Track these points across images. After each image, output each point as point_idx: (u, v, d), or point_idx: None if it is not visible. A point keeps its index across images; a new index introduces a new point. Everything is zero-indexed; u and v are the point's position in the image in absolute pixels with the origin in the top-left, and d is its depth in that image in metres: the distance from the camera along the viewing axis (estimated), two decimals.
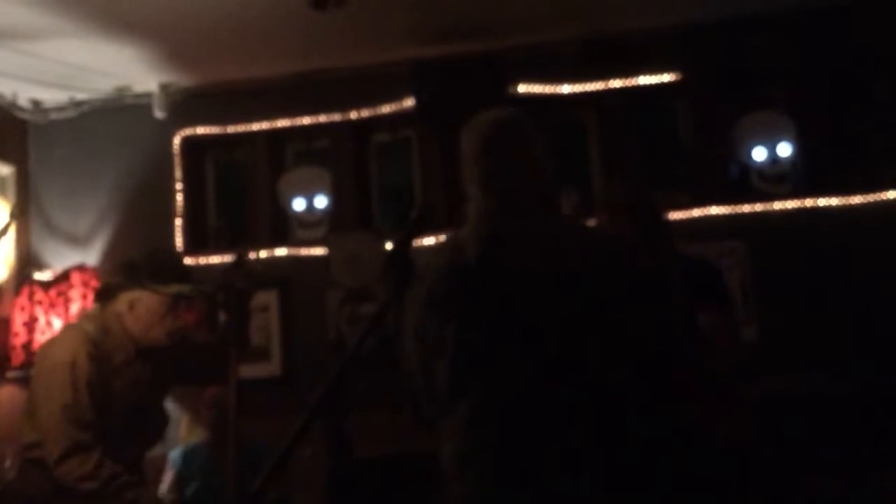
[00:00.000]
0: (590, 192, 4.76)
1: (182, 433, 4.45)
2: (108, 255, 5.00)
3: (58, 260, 5.02)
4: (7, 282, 4.78)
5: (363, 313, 4.57)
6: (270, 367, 4.78)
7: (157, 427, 3.03)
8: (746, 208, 4.63)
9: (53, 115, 5.18)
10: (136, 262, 2.94)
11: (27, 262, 5.00)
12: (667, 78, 4.80)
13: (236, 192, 5.34)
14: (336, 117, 5.01)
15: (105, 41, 4.43)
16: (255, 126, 5.08)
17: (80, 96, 5.11)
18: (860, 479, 3.81)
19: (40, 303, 4.65)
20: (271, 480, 1.88)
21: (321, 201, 4.91)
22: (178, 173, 5.09)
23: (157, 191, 5.06)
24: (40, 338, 4.51)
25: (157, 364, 2.94)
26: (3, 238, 4.54)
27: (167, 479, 3.92)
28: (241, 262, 2.78)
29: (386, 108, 4.95)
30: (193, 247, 4.98)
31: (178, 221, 5.04)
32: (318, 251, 4.85)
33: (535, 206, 2.05)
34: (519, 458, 1.88)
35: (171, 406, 3.52)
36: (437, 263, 2.07)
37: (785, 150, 4.59)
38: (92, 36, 4.35)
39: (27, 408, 2.85)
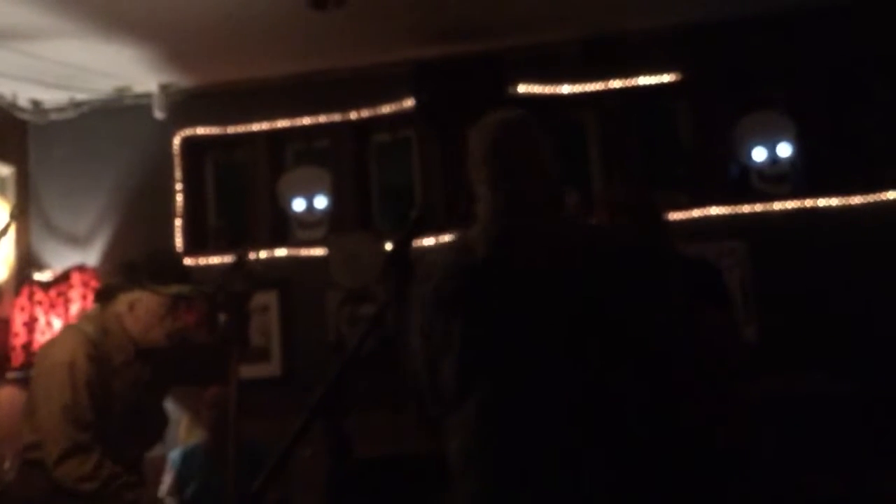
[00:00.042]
0: (590, 192, 4.75)
1: (182, 434, 4.45)
2: (108, 256, 5.00)
3: (58, 260, 5.02)
4: (7, 282, 4.77)
5: (363, 314, 4.58)
6: (270, 368, 4.78)
7: (156, 428, 3.03)
8: (746, 208, 4.63)
9: (53, 116, 5.18)
10: (135, 263, 2.94)
11: (27, 262, 4.99)
12: (667, 78, 4.80)
13: (236, 193, 5.33)
14: (336, 117, 5.01)
15: (105, 41, 4.43)
16: (255, 126, 5.07)
17: (80, 97, 5.11)
18: (860, 479, 3.81)
19: (40, 303, 4.65)
20: (271, 480, 1.87)
21: (321, 202, 4.91)
22: (178, 174, 5.08)
23: (156, 191, 5.06)
24: (40, 338, 4.51)
25: (156, 365, 2.94)
26: (3, 238, 4.54)
27: (167, 479, 3.92)
28: (240, 263, 2.77)
29: (386, 109, 4.94)
30: (193, 247, 4.98)
31: (178, 222, 5.04)
32: (318, 252, 4.85)
33: (542, 207, 2.07)
34: (519, 458, 1.89)
35: (171, 406, 3.52)
36: (445, 262, 2.08)
37: (785, 150, 4.59)
38: (92, 36, 4.35)
39: (27, 408, 2.85)
